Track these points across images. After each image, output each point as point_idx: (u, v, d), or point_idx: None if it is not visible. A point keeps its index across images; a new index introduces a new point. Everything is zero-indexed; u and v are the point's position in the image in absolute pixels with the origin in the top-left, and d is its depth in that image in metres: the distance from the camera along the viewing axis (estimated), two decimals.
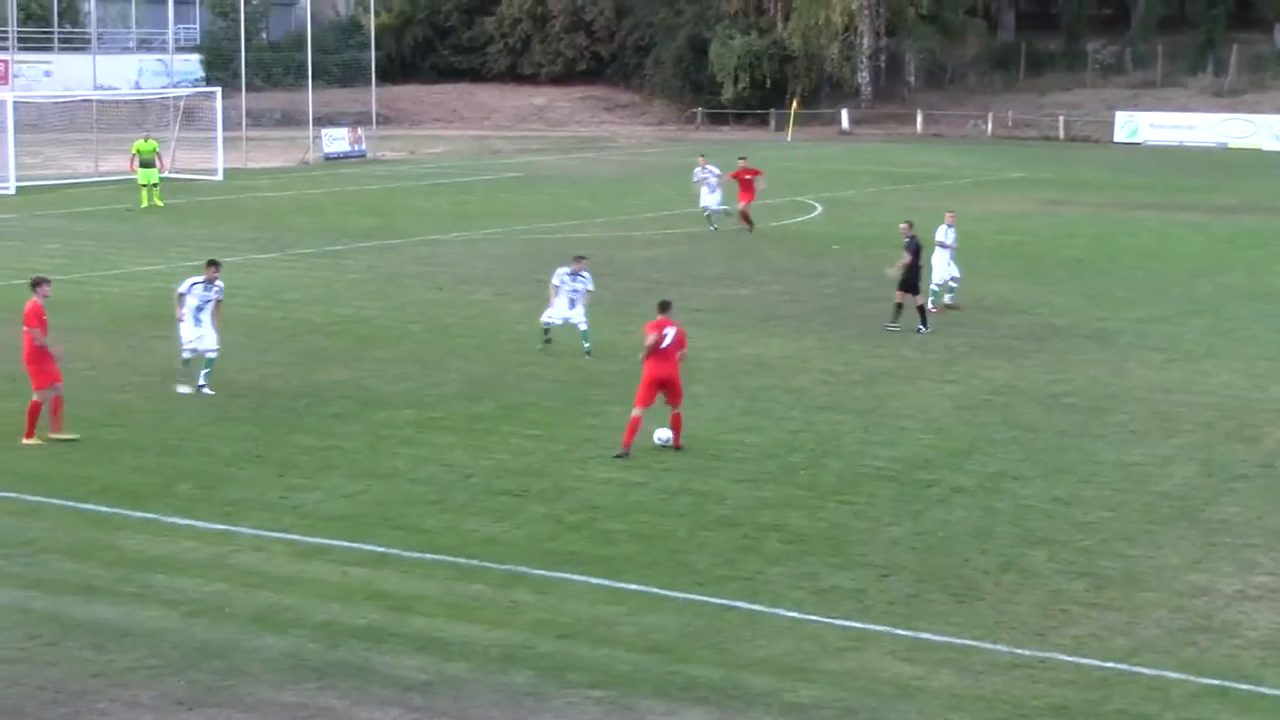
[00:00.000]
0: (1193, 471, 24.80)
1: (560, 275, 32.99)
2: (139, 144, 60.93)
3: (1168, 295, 41.76)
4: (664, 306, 25.96)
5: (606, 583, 19.53)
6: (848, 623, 18.28)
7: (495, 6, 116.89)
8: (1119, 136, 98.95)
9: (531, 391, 29.38)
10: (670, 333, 25.41)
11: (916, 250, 35.87)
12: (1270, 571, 20.14)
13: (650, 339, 25.36)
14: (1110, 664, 17.16)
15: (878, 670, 17.01)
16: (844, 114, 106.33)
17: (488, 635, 17.79)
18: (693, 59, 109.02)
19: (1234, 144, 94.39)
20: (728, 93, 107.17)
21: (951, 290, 38.83)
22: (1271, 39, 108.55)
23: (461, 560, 20.26)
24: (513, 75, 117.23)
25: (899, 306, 35.86)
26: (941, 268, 38.61)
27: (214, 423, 27.08)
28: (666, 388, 25.39)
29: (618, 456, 25.02)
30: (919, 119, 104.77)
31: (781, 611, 18.63)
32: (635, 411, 25.30)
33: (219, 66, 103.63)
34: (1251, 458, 25.59)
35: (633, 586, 19.40)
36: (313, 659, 17.08)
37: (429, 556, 20.42)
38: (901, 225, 36.92)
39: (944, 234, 38.64)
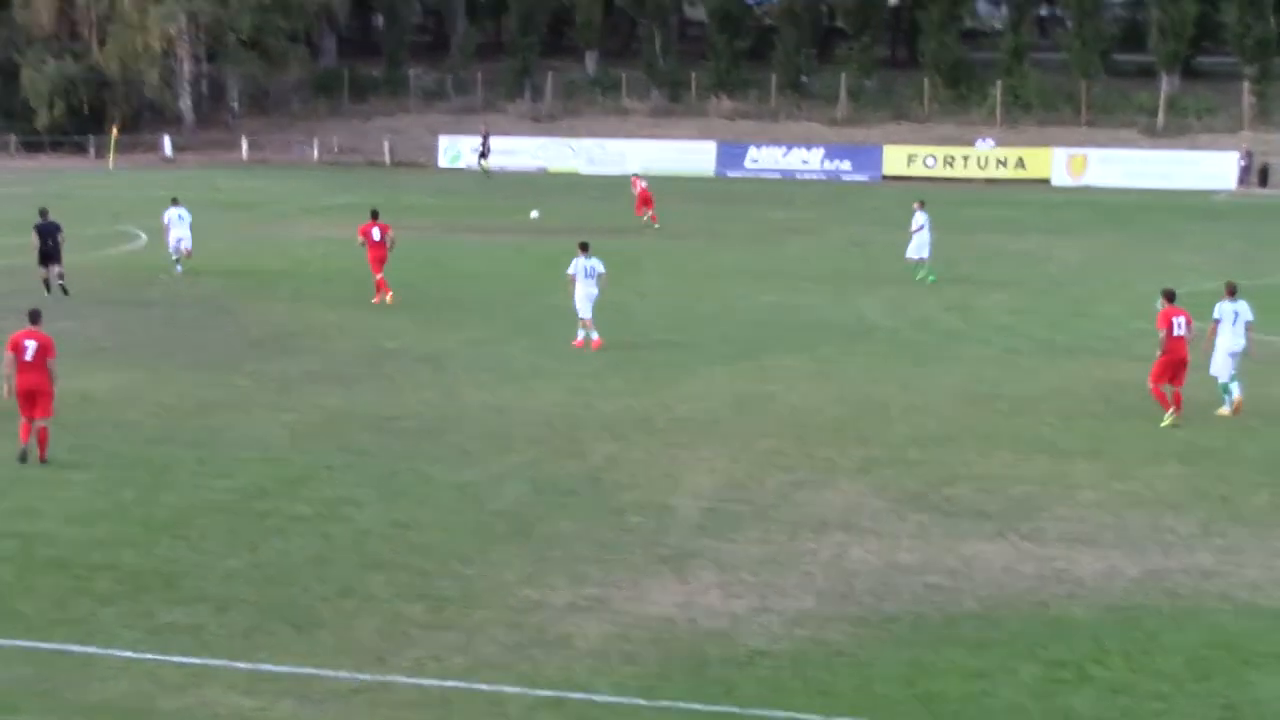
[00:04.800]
0: (524, 489, 25.38)
1: None
2: None
3: (495, 317, 42.73)
4: (34, 317, 26.67)
5: None
6: (185, 659, 17.93)
7: None
8: (443, 161, 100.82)
9: None
10: (32, 344, 25.94)
11: (45, 231, 42.62)
12: (599, 583, 20.81)
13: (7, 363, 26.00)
14: (450, 682, 17.40)
15: (217, 705, 16.75)
16: (166, 140, 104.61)
17: None
18: (3, 85, 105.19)
19: (554, 168, 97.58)
20: (43, 120, 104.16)
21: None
22: (584, 66, 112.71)
23: None
24: None
25: (45, 282, 41.45)
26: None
27: None
28: (37, 397, 25.96)
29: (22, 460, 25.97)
30: (244, 145, 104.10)
31: (116, 652, 18.13)
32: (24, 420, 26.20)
33: None
34: (579, 472, 26.37)
35: None
36: None
37: None
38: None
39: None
